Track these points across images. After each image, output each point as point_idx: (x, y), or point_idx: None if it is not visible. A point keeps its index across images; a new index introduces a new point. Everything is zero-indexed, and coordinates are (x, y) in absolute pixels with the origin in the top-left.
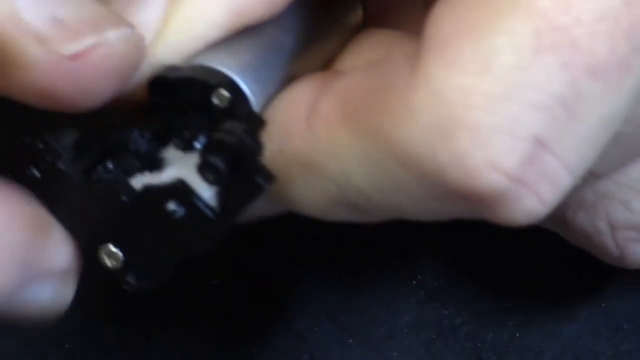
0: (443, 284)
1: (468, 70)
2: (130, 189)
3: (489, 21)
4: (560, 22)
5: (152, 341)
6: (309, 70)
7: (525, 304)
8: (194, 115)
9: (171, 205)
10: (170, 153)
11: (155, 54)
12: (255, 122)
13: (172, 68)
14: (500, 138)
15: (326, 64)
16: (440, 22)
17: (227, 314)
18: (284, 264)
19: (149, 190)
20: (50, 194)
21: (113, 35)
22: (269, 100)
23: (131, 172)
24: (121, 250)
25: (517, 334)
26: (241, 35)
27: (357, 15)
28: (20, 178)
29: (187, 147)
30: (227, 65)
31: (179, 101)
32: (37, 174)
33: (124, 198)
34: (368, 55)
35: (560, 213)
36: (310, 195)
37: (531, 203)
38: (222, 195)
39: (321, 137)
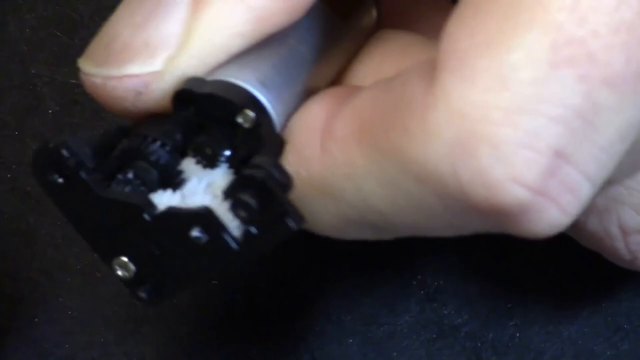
0: (443, 284)
1: (486, 86)
2: (153, 208)
3: (505, 36)
4: (576, 35)
5: (151, 340)
6: (325, 80)
7: (526, 304)
8: (216, 131)
9: (195, 232)
10: (190, 167)
11: (178, 66)
12: (278, 145)
13: (197, 81)
14: (520, 152)
15: (341, 71)
16: (455, 37)
17: (227, 313)
18: (284, 264)
19: (173, 212)
20: (70, 201)
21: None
22: (289, 117)
23: (151, 184)
24: (134, 264)
25: (517, 334)
26: (263, 47)
27: (371, 18)
28: (42, 182)
29: (208, 163)
30: (251, 82)
31: (202, 115)
32: (59, 180)
33: (147, 217)
34: (382, 64)
35: None
36: (326, 217)
37: (554, 214)
38: (249, 231)
39: (337, 159)
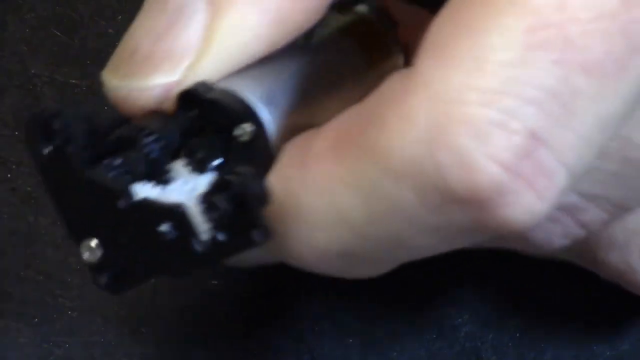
0: (443, 284)
1: (461, 68)
2: (129, 196)
3: (483, 20)
4: (554, 19)
5: (151, 340)
6: (335, 112)
7: (526, 305)
8: (213, 138)
9: (164, 226)
10: (178, 168)
11: (199, 73)
12: (267, 162)
13: (204, 86)
14: (496, 131)
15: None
16: (437, 27)
17: (227, 314)
18: (284, 264)
19: (148, 204)
20: (53, 173)
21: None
22: (285, 139)
23: (136, 176)
24: (102, 248)
25: (517, 334)
26: (277, 64)
27: (396, 64)
28: (31, 147)
29: (196, 167)
30: (257, 97)
31: (203, 120)
32: (45, 150)
33: (121, 204)
34: None
35: (592, 253)
36: (304, 247)
37: (530, 199)
38: (216, 236)
39: (314, 175)
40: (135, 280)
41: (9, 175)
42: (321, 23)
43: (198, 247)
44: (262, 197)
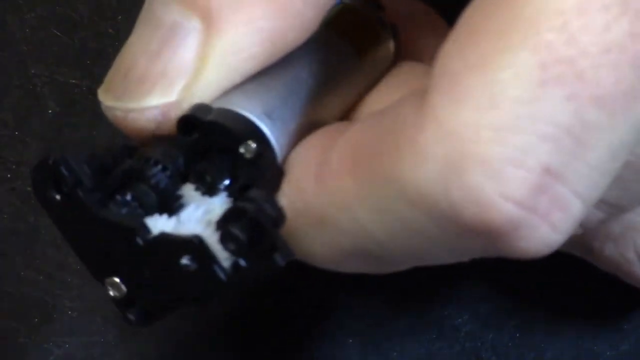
0: (443, 284)
1: (475, 105)
2: (147, 231)
3: (495, 55)
4: (565, 54)
5: (151, 340)
6: (336, 113)
7: (526, 305)
8: (218, 158)
9: (185, 260)
10: (189, 193)
11: (195, 93)
12: (277, 177)
13: (202, 108)
14: (510, 169)
15: (354, 104)
16: (447, 58)
17: (227, 314)
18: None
19: (166, 239)
20: (67, 218)
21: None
22: (293, 147)
23: (148, 208)
24: (125, 285)
25: (517, 334)
26: (272, 77)
27: (388, 51)
28: (40, 196)
29: (206, 190)
30: (256, 113)
31: (206, 142)
32: (57, 197)
33: (139, 241)
34: (396, 96)
35: (588, 244)
36: (322, 248)
37: (545, 232)
38: (238, 262)
39: (331, 190)
40: (163, 312)
41: (9, 175)
42: None
43: (221, 276)
44: (277, 219)
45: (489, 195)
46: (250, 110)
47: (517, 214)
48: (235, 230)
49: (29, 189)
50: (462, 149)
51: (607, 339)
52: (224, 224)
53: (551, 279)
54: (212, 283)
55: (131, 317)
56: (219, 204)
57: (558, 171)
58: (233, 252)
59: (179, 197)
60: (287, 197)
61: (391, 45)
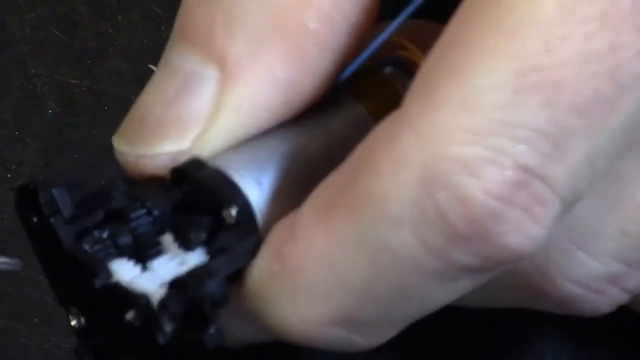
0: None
1: (451, 109)
2: (106, 276)
3: (472, 61)
4: (544, 63)
5: None
6: None
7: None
8: (201, 215)
9: (130, 314)
10: (168, 242)
11: (208, 142)
12: (255, 243)
13: (196, 163)
14: (487, 167)
15: None
16: (425, 67)
17: None
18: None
19: (118, 288)
20: (41, 240)
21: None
22: (280, 215)
23: (122, 249)
24: (85, 319)
25: (518, 334)
26: (277, 142)
27: None
28: (20, 213)
29: (184, 243)
30: (247, 179)
31: (193, 197)
32: (35, 220)
33: (97, 282)
34: None
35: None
36: (300, 318)
37: (528, 224)
38: (176, 331)
39: (304, 248)
40: (112, 357)
41: (9, 176)
42: (334, 103)
43: (160, 339)
44: (219, 300)
45: (469, 191)
46: (243, 175)
47: (498, 208)
48: (172, 302)
49: None
50: (440, 151)
51: (608, 339)
52: (167, 292)
53: None
54: (152, 344)
55: (84, 354)
56: (194, 258)
57: (536, 170)
58: (167, 322)
59: (157, 244)
60: (265, 261)
61: None
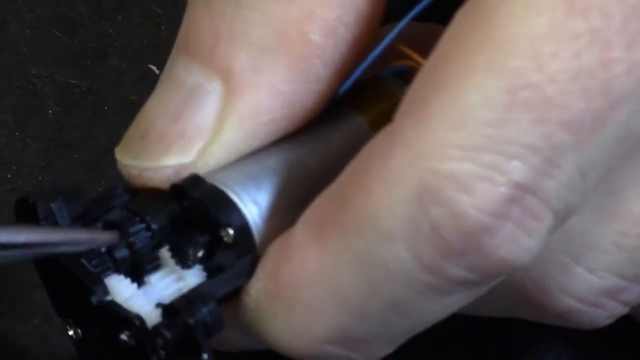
0: None
1: (442, 126)
2: (102, 293)
3: (463, 79)
4: (534, 80)
5: None
6: None
7: None
8: (199, 233)
9: (124, 335)
10: (166, 256)
11: (212, 155)
12: (252, 262)
13: (195, 180)
14: (479, 184)
15: None
16: (417, 83)
17: None
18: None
19: (113, 307)
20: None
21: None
22: (278, 233)
23: (119, 264)
24: (81, 331)
25: (518, 335)
26: (277, 157)
27: None
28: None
29: (182, 260)
30: (244, 199)
31: (191, 214)
32: None
33: (94, 299)
34: None
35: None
36: (297, 336)
37: (521, 237)
38: (169, 354)
39: (301, 266)
40: None
41: (9, 176)
42: (338, 120)
43: None
44: (212, 327)
45: (464, 208)
46: (241, 194)
47: (492, 222)
48: (165, 329)
49: (29, 189)
50: (433, 167)
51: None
52: (161, 318)
53: None
54: None
55: None
56: (191, 275)
57: (527, 185)
58: (160, 347)
59: (155, 258)
60: (261, 281)
61: None
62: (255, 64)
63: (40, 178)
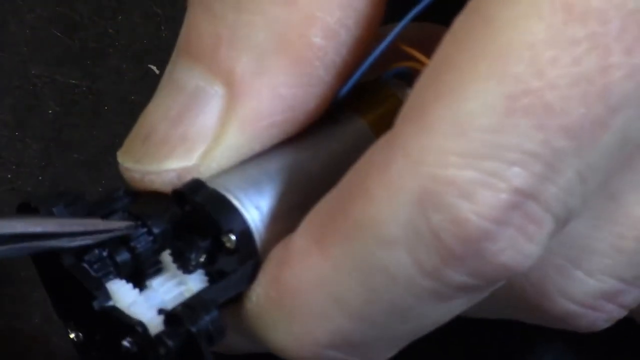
0: None
1: (442, 133)
2: (105, 299)
3: (463, 85)
4: (534, 86)
5: None
6: None
7: None
8: (201, 238)
9: (126, 341)
10: (168, 261)
11: (214, 159)
12: (254, 268)
13: (197, 185)
14: (480, 190)
15: None
16: (417, 90)
17: None
18: None
19: (115, 315)
20: (43, 258)
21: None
22: (280, 238)
23: (120, 268)
24: (83, 335)
25: (518, 335)
26: (278, 162)
27: None
28: None
29: (184, 265)
30: (246, 205)
31: (193, 219)
32: None
33: (96, 304)
34: None
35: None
36: (297, 342)
37: (522, 242)
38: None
39: (302, 271)
40: None
41: (9, 176)
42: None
43: None
44: (214, 335)
45: (465, 214)
46: (243, 199)
47: (493, 228)
48: (168, 337)
49: (29, 189)
50: (434, 173)
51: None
52: (163, 326)
53: None
54: None
55: None
56: (193, 279)
57: (528, 192)
58: (163, 355)
59: (157, 262)
60: (262, 286)
61: None
62: (256, 67)
63: (40, 178)
